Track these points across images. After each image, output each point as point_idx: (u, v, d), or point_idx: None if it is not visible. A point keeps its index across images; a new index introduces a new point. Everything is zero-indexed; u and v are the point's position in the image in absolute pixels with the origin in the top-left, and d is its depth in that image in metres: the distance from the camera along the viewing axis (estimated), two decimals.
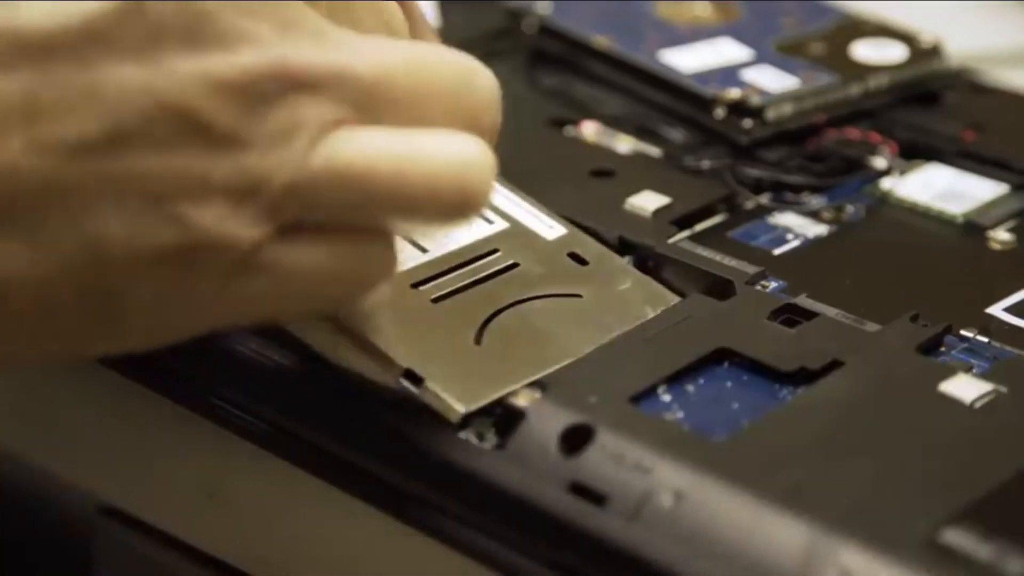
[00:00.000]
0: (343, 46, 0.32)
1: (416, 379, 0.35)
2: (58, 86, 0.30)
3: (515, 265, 0.39)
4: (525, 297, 0.38)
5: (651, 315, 0.38)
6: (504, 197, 0.41)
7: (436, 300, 0.38)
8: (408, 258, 0.39)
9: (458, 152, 0.32)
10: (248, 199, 0.31)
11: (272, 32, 0.31)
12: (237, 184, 0.31)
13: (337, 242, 0.32)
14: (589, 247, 0.40)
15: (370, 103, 0.32)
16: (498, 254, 0.39)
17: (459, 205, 0.32)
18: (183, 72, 0.30)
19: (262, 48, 0.31)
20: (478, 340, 0.37)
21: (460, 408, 0.35)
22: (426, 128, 0.32)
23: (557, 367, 0.36)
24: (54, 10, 0.30)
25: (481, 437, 0.34)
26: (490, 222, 0.40)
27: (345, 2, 0.35)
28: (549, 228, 0.41)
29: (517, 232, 0.40)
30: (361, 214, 0.32)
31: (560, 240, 0.40)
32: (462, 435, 0.34)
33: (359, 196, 0.32)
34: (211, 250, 0.31)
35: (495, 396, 0.35)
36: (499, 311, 0.37)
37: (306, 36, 0.32)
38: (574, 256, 0.40)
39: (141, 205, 0.30)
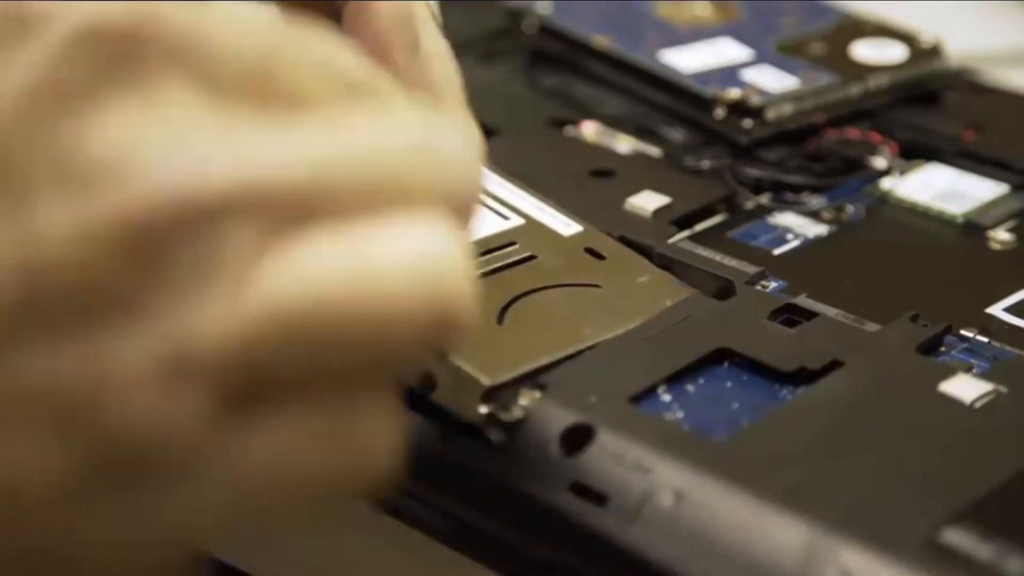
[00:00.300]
0: (258, 148, 0.24)
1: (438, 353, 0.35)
2: None
3: (533, 257, 0.39)
4: (545, 285, 0.38)
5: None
6: (518, 196, 0.41)
7: None
8: None
9: (421, 253, 0.25)
10: (177, 374, 0.23)
11: (162, 150, 0.24)
12: (158, 358, 0.23)
13: (307, 410, 0.25)
14: (605, 244, 0.40)
15: (304, 212, 0.24)
16: (515, 246, 0.40)
17: (437, 320, 0.25)
18: (55, 228, 0.23)
19: (151, 176, 0.23)
20: (499, 322, 0.37)
21: (485, 380, 0.34)
22: (377, 218, 0.25)
23: (579, 348, 0.36)
24: None
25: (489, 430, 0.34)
26: (506, 218, 0.41)
27: (289, 69, 0.26)
28: (565, 225, 0.41)
29: (533, 228, 0.40)
30: (321, 364, 0.25)
31: (576, 236, 0.40)
32: (483, 409, 0.34)
33: (313, 340, 0.24)
34: (147, 453, 0.24)
35: (520, 371, 0.35)
36: (519, 296, 0.38)
37: (207, 142, 0.24)
38: (591, 251, 0.40)
39: (45, 424, 0.23)
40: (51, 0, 0.24)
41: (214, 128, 0.24)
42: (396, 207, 0.25)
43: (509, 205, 0.41)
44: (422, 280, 0.25)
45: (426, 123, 0.26)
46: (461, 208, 0.26)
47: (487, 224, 0.40)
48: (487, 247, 0.39)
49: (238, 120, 0.25)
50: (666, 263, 0.40)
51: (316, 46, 0.26)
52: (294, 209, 0.24)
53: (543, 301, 0.38)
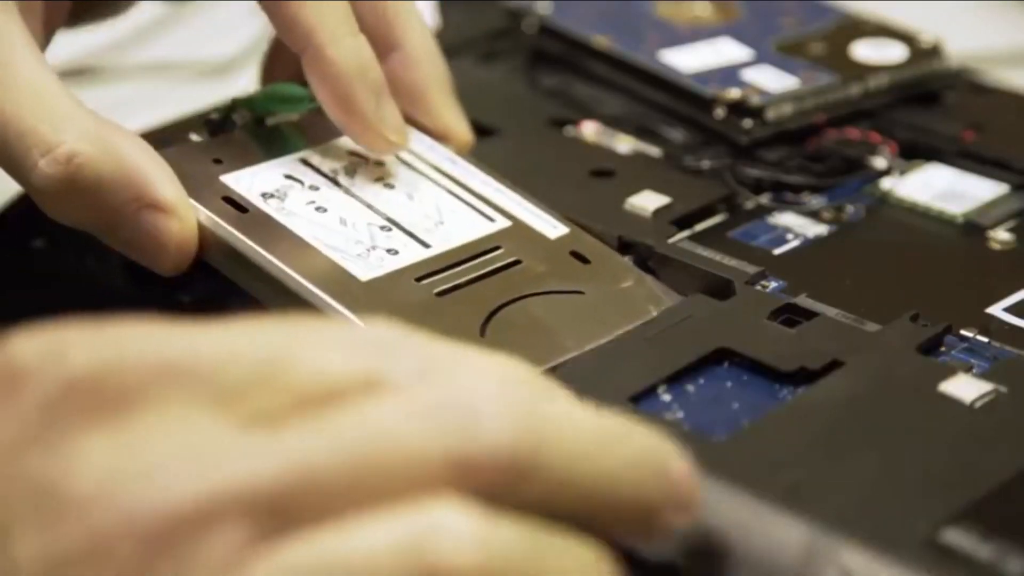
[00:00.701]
0: (236, 457, 0.25)
1: None
2: None
3: (518, 262, 0.39)
4: (528, 293, 0.38)
5: (654, 313, 0.38)
6: (506, 196, 0.41)
7: (440, 294, 0.38)
8: (411, 253, 0.39)
9: (398, 545, 0.25)
10: None
11: (136, 476, 0.25)
12: None
13: None
14: (591, 246, 0.40)
15: (286, 515, 0.25)
16: (500, 251, 0.39)
17: None
18: (29, 560, 0.25)
19: (122, 500, 0.25)
20: (482, 333, 0.37)
21: None
22: (368, 510, 0.25)
23: (560, 361, 0.36)
24: None
25: None
26: (492, 220, 0.41)
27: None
28: (552, 227, 0.41)
29: (519, 230, 0.40)
30: None
31: (562, 239, 0.40)
32: None
33: None
34: None
35: None
36: (503, 306, 0.38)
37: (184, 459, 0.25)
38: (576, 254, 0.40)
39: None
40: (35, 355, 0.26)
41: (195, 443, 0.25)
42: (395, 494, 0.25)
43: (494, 205, 0.41)
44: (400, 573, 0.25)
45: (439, 395, 0.27)
46: (484, 470, 0.26)
47: (472, 227, 0.40)
48: (472, 252, 0.39)
49: (229, 431, 0.26)
50: (666, 263, 0.40)
51: (321, 344, 0.27)
52: (274, 514, 0.25)
53: (526, 310, 0.38)
